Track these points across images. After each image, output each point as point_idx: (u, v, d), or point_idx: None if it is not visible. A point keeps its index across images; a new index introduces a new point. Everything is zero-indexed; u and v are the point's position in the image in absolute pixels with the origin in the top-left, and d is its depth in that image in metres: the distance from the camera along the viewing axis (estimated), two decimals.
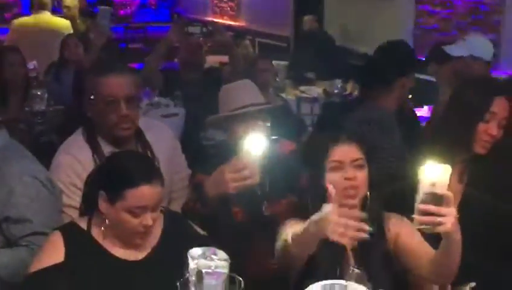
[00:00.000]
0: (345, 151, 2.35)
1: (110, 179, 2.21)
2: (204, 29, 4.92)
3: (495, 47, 4.38)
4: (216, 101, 3.06)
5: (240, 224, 2.74)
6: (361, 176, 2.33)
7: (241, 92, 2.95)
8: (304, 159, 2.51)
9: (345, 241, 2.08)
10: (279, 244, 2.28)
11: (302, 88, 6.24)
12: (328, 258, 2.27)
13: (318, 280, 2.00)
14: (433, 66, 4.27)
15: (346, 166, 2.33)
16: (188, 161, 3.19)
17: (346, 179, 2.31)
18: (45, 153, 2.93)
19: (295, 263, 2.24)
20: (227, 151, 2.84)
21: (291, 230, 2.22)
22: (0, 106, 3.99)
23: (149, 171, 2.25)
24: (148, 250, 2.25)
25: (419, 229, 2.08)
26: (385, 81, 3.48)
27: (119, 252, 2.22)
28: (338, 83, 5.74)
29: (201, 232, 2.44)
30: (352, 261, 2.32)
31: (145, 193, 2.16)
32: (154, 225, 2.22)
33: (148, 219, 2.16)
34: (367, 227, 2.04)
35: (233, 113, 2.85)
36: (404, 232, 2.34)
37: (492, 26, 5.82)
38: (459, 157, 2.55)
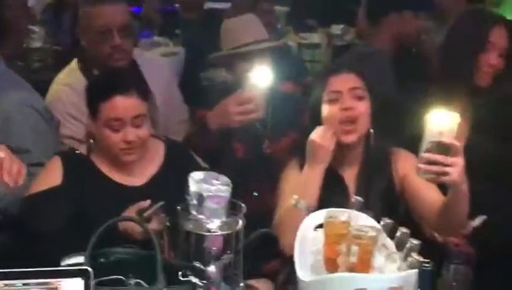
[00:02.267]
0: (343, 80, 2.29)
1: (89, 96, 2.23)
2: None
3: None
4: (216, 41, 3.01)
5: (240, 160, 2.72)
6: (361, 107, 2.26)
7: (245, 28, 2.89)
8: (308, 95, 2.47)
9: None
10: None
11: (303, 35, 6.19)
12: (328, 195, 2.26)
13: None
14: None
15: (344, 96, 2.26)
16: (187, 100, 3.16)
17: (343, 109, 2.25)
18: (42, 90, 2.89)
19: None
20: (229, 89, 2.82)
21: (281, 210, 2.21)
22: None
23: (123, 82, 2.22)
24: (149, 177, 2.24)
25: (423, 178, 1.97)
26: (371, 20, 3.45)
27: (117, 176, 2.21)
28: (338, 28, 5.66)
29: (203, 164, 2.42)
30: (352, 194, 2.30)
31: (118, 104, 2.14)
32: (145, 145, 2.22)
33: (128, 133, 2.15)
34: None
35: (236, 52, 2.80)
36: (412, 173, 2.17)
37: None
38: (460, 90, 2.50)
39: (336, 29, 4.90)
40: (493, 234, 2.41)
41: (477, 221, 2.40)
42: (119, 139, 2.16)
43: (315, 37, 6.11)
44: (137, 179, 2.25)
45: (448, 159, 1.87)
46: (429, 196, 2.20)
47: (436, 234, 2.46)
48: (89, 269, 1.59)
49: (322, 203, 2.19)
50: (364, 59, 3.09)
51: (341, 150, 2.31)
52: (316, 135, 2.23)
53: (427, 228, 2.44)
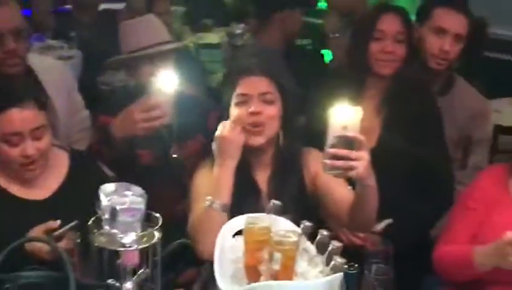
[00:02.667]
0: (254, 84, 2.23)
1: None
2: None
3: None
4: (113, 43, 2.89)
5: (146, 166, 2.62)
6: (270, 111, 2.22)
7: (145, 30, 2.77)
8: (213, 96, 2.40)
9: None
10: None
11: (200, 35, 6.14)
12: (241, 199, 2.21)
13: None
14: None
15: (252, 100, 2.21)
16: (86, 104, 3.02)
17: (250, 113, 2.20)
18: None
19: None
20: (130, 94, 2.70)
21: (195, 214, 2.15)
22: None
23: (18, 92, 2.09)
24: (53, 190, 2.11)
25: (329, 175, 1.93)
26: (262, 16, 3.47)
27: (19, 190, 2.07)
28: (237, 27, 5.63)
29: (110, 173, 2.31)
30: (266, 199, 2.25)
31: (14, 117, 2.02)
32: (46, 157, 2.11)
33: (27, 148, 2.03)
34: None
35: (137, 55, 2.69)
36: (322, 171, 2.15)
37: None
38: (359, 78, 2.54)
39: (237, 28, 4.85)
40: (401, 232, 2.44)
41: (382, 224, 2.43)
42: (17, 154, 2.04)
43: (213, 37, 6.08)
44: (40, 192, 2.12)
45: (353, 154, 1.84)
46: (339, 193, 2.19)
47: (343, 232, 2.47)
48: None
49: (236, 208, 2.14)
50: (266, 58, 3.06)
51: (252, 153, 2.27)
52: (224, 129, 2.18)
53: (336, 227, 2.44)
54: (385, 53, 2.50)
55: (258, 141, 2.22)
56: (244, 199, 2.22)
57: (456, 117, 2.63)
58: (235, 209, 2.14)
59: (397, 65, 2.52)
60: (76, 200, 1.99)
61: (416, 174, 2.50)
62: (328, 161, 1.84)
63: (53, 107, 2.67)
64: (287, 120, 2.29)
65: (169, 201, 2.48)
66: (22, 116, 2.03)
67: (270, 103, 2.23)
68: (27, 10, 4.55)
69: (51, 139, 2.15)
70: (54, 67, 2.87)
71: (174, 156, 2.66)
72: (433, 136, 2.54)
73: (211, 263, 1.79)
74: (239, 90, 2.23)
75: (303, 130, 2.56)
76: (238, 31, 4.63)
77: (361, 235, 2.46)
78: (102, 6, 4.92)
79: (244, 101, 2.22)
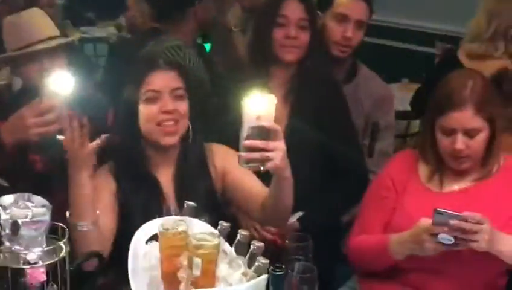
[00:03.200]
0: (164, 79, 2.11)
1: None
2: None
3: None
4: None
5: (39, 172, 2.44)
6: (182, 107, 2.12)
7: (32, 24, 2.57)
8: (119, 88, 2.24)
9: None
10: None
11: (83, 28, 5.98)
12: (144, 202, 2.10)
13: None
14: None
15: (164, 96, 2.10)
16: None
17: (164, 112, 2.09)
18: None
19: None
20: (19, 94, 2.56)
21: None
22: None
23: None
24: None
25: (246, 167, 1.83)
26: (180, 11, 3.34)
27: None
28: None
29: (3, 183, 2.12)
30: (172, 199, 2.15)
31: None
32: None
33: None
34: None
35: (24, 52, 2.48)
36: (233, 167, 2.09)
37: None
38: (266, 67, 2.50)
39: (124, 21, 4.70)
40: (313, 221, 2.41)
41: (295, 217, 2.39)
42: None
43: (98, 31, 5.93)
44: None
45: (270, 144, 1.77)
46: (250, 187, 2.13)
47: (254, 228, 2.42)
48: None
49: (139, 211, 2.05)
50: (177, 52, 2.92)
51: (156, 152, 2.16)
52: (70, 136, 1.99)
53: (247, 223, 2.37)
54: (289, 39, 2.45)
55: (170, 141, 2.12)
56: (145, 200, 2.11)
57: (362, 104, 2.65)
58: (137, 212, 2.05)
59: (301, 52, 2.48)
60: None
61: (327, 162, 2.47)
62: (243, 154, 1.76)
63: None
64: (196, 115, 2.19)
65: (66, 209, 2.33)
66: None
67: (181, 98, 2.13)
68: None
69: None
70: None
71: None
72: (341, 124, 2.53)
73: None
74: (148, 86, 2.10)
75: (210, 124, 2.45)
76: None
77: (272, 230, 2.41)
78: None
79: (154, 97, 2.10)
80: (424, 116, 2.28)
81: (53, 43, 2.49)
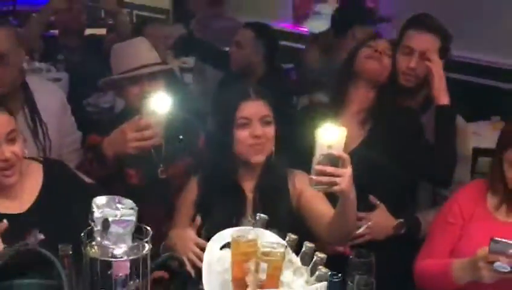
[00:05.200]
0: (254, 108, 2.36)
1: None
2: None
3: None
4: (100, 66, 2.95)
5: (134, 186, 2.66)
6: (269, 132, 2.37)
7: (136, 51, 2.84)
8: (212, 114, 2.49)
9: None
10: None
11: (184, 59, 6.25)
12: (226, 209, 2.32)
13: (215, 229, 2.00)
14: None
15: (254, 123, 2.35)
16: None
17: (254, 136, 2.34)
18: None
19: None
20: (120, 114, 2.78)
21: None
22: None
23: None
24: (31, 202, 2.14)
25: (315, 190, 2.09)
26: None
27: None
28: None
29: (88, 180, 2.36)
30: (250, 208, 2.38)
31: None
32: (21, 165, 2.14)
33: (4, 151, 2.07)
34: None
35: (128, 75, 2.75)
36: (307, 189, 2.35)
37: None
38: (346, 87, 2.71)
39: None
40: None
41: (362, 228, 2.57)
42: None
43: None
44: (17, 205, 2.14)
45: (338, 170, 1.99)
46: (321, 208, 2.34)
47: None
48: None
49: (221, 211, 2.31)
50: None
51: (243, 166, 2.41)
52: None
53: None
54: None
55: (259, 159, 2.38)
56: (229, 202, 2.36)
57: None
58: (219, 211, 2.30)
59: (385, 75, 2.68)
60: (56, 210, 2.02)
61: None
62: (314, 177, 1.99)
63: (45, 127, 2.73)
64: (279, 138, 2.43)
65: (155, 220, 2.54)
66: None
67: (268, 124, 2.38)
68: None
69: (23, 146, 2.19)
70: (50, 90, 2.93)
71: (163, 176, 2.71)
72: (420, 145, 2.66)
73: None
74: (240, 113, 2.35)
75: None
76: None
77: None
78: (88, 32, 4.99)
79: (245, 123, 2.35)
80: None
81: (154, 68, 2.75)
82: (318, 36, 4.85)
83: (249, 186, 2.43)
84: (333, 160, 1.98)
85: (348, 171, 2.01)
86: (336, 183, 2.00)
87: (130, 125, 2.40)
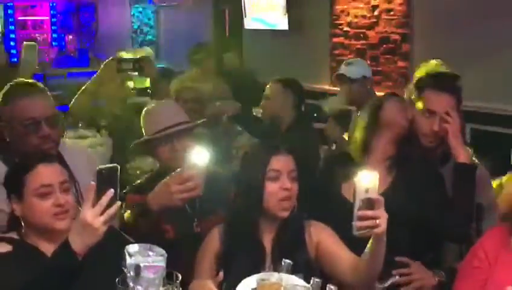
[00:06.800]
0: (283, 162, 2.47)
1: (10, 178, 2.28)
2: (136, 65, 4.99)
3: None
4: (138, 131, 3.11)
5: (172, 241, 2.74)
6: (295, 187, 2.46)
7: (165, 112, 3.01)
8: (243, 168, 2.59)
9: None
10: None
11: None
12: (246, 262, 2.38)
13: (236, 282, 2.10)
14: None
15: (283, 176, 2.44)
16: None
17: (284, 189, 2.42)
18: None
19: None
20: (156, 175, 2.90)
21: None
22: None
23: (41, 153, 2.39)
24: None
25: (358, 235, 2.15)
26: None
27: (49, 251, 2.21)
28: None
29: (131, 239, 2.47)
30: (269, 260, 2.43)
31: (44, 171, 2.23)
32: (74, 213, 2.23)
33: (59, 198, 2.20)
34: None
35: (155, 136, 2.91)
36: (324, 239, 2.46)
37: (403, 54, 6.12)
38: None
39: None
40: None
41: (389, 281, 2.57)
42: (49, 204, 2.20)
43: None
44: None
45: (377, 213, 2.09)
46: (344, 255, 2.41)
47: None
48: None
49: (242, 266, 2.34)
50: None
51: (266, 220, 2.48)
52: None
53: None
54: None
55: (285, 214, 2.45)
56: (249, 255, 2.42)
57: None
58: (240, 264, 2.36)
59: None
60: (104, 263, 2.13)
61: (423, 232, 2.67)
62: (358, 223, 2.10)
63: (80, 189, 2.87)
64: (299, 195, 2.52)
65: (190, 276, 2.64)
66: (51, 170, 2.24)
67: (294, 179, 2.47)
68: (64, 106, 4.88)
69: (74, 199, 2.34)
70: (81, 152, 3.08)
71: (198, 230, 2.80)
72: (440, 198, 2.70)
73: None
74: (271, 166, 2.45)
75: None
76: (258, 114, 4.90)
77: None
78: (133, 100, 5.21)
79: (276, 177, 2.44)
80: None
81: (181, 127, 2.91)
82: None
83: (267, 237, 2.48)
84: (371, 204, 2.08)
85: (384, 213, 2.12)
86: (377, 226, 2.10)
87: (173, 178, 2.52)
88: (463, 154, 2.71)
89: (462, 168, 2.71)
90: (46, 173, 2.23)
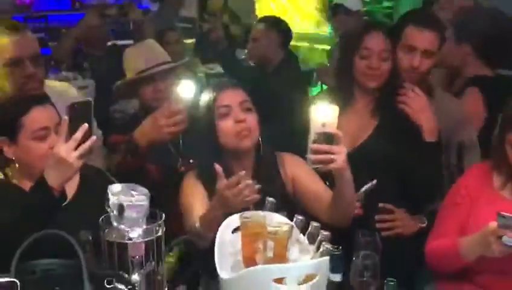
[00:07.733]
0: (231, 96, 2.42)
1: (2, 121, 2.23)
2: (121, 10, 4.94)
3: None
4: (120, 73, 3.08)
5: (156, 180, 2.75)
6: (251, 118, 2.41)
7: (146, 53, 2.99)
8: (194, 110, 2.53)
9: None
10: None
11: (210, 65, 6.37)
12: None
13: None
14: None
15: (235, 109, 2.39)
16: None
17: (237, 122, 2.37)
18: None
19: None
20: (137, 115, 2.90)
21: (197, 214, 2.26)
22: None
23: (34, 95, 2.37)
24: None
25: (313, 169, 2.17)
26: None
27: None
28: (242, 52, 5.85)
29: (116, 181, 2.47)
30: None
31: (39, 113, 2.19)
32: None
33: (55, 140, 2.14)
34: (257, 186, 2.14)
35: (138, 77, 2.88)
36: (301, 173, 2.43)
37: None
38: (348, 91, 2.72)
39: (242, 53, 5.07)
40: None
41: (366, 186, 2.58)
42: (46, 147, 2.17)
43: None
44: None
45: (334, 148, 2.05)
46: (317, 191, 2.40)
47: None
48: (17, 281, 1.63)
49: None
50: None
51: (234, 158, 2.42)
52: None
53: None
54: (370, 69, 2.66)
55: (246, 143, 2.39)
56: None
57: (442, 125, 2.74)
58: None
59: (382, 79, 2.67)
60: (90, 204, 2.13)
61: (402, 173, 2.65)
62: (312, 156, 2.06)
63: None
64: (264, 127, 2.48)
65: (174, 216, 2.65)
66: (47, 112, 2.21)
67: (249, 110, 2.42)
68: (46, 49, 4.83)
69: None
70: (66, 91, 3.05)
71: (182, 169, 2.78)
72: (422, 144, 2.65)
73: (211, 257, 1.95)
74: (220, 102, 2.40)
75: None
76: (243, 56, 4.87)
77: None
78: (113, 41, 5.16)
79: (226, 113, 2.39)
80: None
81: (164, 67, 2.89)
82: None
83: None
84: (328, 138, 2.04)
85: (343, 148, 2.08)
86: (332, 161, 2.06)
87: (162, 112, 2.50)
88: (427, 131, 2.62)
89: (429, 147, 2.64)
90: (43, 116, 2.20)
